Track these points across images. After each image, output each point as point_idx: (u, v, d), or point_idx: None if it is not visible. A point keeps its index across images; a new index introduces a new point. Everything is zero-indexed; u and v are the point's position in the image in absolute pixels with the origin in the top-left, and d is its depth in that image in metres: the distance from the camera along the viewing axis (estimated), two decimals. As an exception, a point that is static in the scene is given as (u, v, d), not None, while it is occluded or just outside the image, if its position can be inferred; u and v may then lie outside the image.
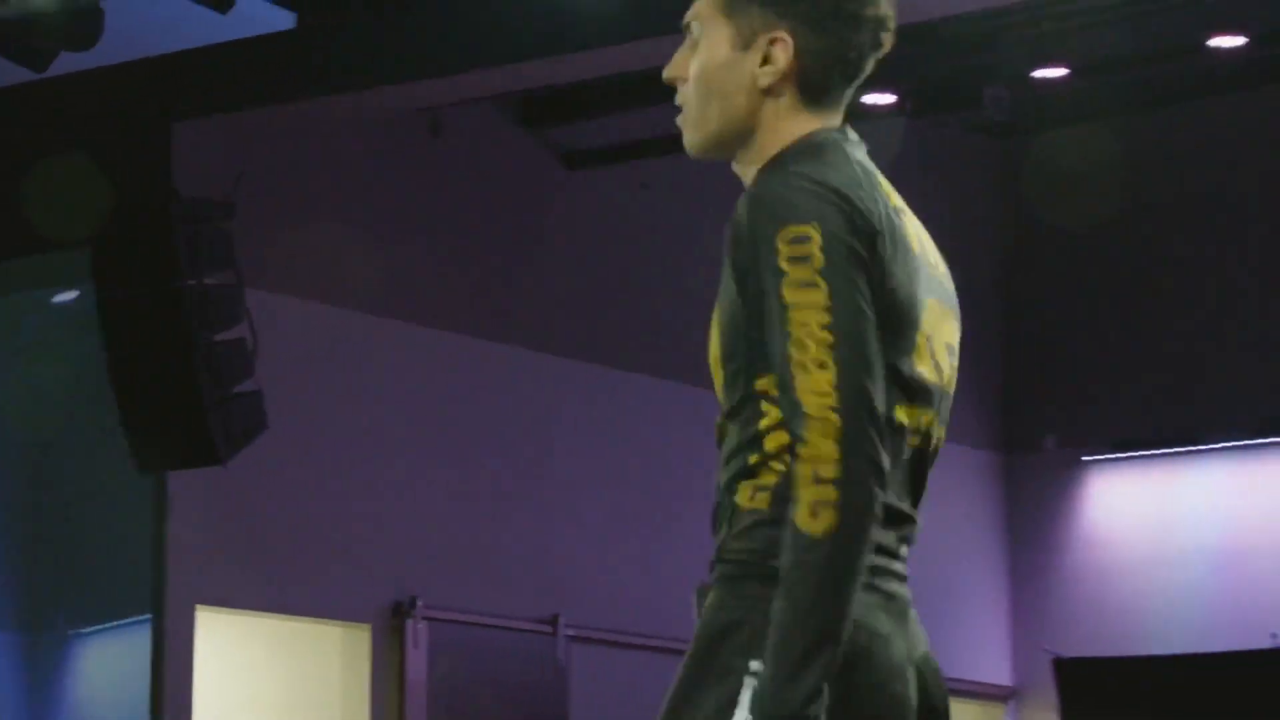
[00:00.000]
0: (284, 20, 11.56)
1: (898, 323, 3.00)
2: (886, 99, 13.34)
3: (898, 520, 3.04)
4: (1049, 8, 12.04)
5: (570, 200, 13.64)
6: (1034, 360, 15.99)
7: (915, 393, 3.05)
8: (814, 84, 3.12)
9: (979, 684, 15.48)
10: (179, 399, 10.77)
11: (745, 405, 3.01)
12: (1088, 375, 15.61)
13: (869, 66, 3.19)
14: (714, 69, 3.14)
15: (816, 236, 2.90)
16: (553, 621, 13.07)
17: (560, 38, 10.83)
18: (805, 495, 2.86)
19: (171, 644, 11.54)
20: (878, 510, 2.89)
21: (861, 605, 2.93)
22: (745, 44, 3.12)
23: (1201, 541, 14.43)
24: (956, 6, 11.02)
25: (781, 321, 2.90)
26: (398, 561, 12.45)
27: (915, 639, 3.11)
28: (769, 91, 3.11)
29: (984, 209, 16.06)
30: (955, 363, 3.19)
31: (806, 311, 2.88)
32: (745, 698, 2.98)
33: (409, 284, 12.77)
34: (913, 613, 3.13)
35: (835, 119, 3.15)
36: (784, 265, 2.89)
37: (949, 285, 3.21)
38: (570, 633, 13.15)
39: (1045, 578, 15.79)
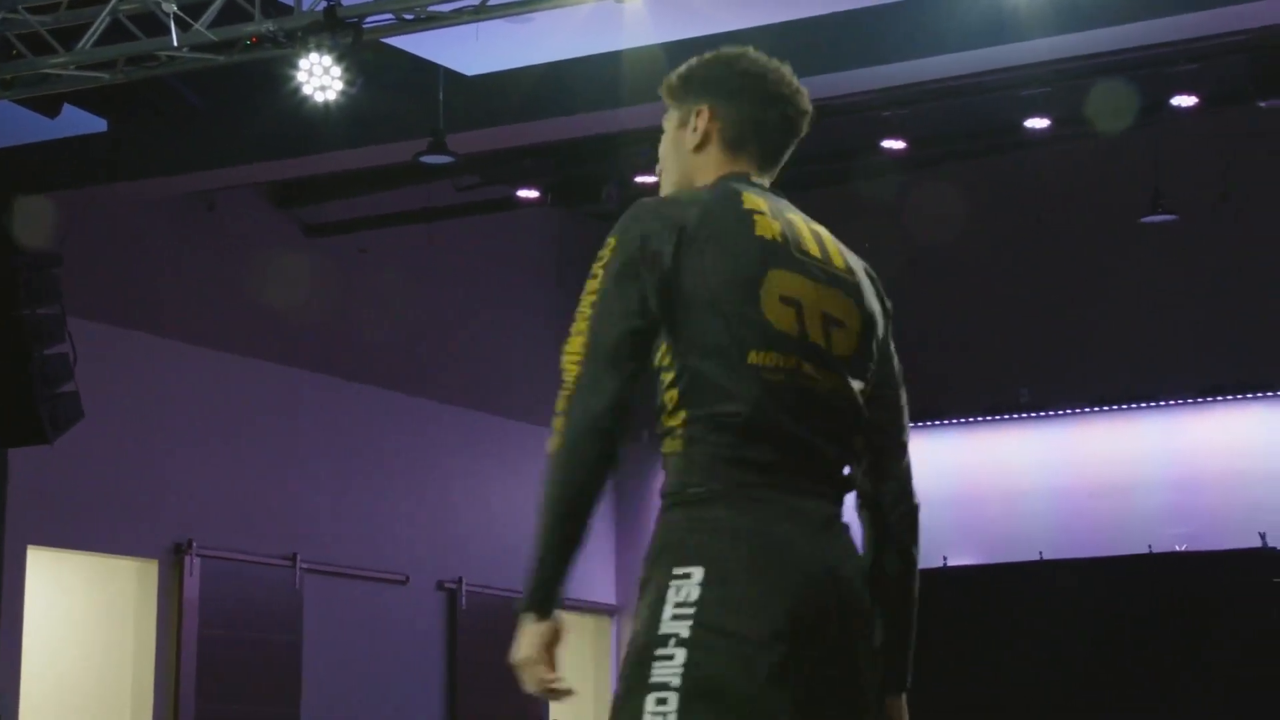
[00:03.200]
0: (98, 124, 11.40)
1: (737, 294, 2.75)
2: (534, 194, 13.54)
3: (788, 446, 2.75)
4: (648, 133, 12.29)
5: (309, 259, 13.61)
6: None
7: (768, 339, 2.76)
8: (728, 142, 2.96)
9: (594, 602, 15.66)
10: (17, 395, 10.59)
11: (654, 377, 2.84)
12: (672, 389, 15.80)
13: (784, 137, 3.02)
14: (669, 144, 3.03)
15: (613, 243, 2.81)
16: (292, 558, 13.01)
17: (304, 142, 10.85)
18: (553, 425, 2.73)
19: (8, 575, 11.30)
20: (593, 438, 2.69)
21: (761, 514, 2.70)
22: (683, 122, 3.00)
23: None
24: (586, 129, 11.24)
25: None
26: (179, 512, 12.31)
27: (826, 547, 2.74)
28: (697, 150, 2.98)
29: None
30: (847, 334, 2.86)
31: (586, 296, 2.80)
32: (668, 596, 2.67)
33: (189, 313, 12.65)
34: (837, 526, 2.78)
35: (749, 169, 2.97)
36: (595, 261, 2.83)
37: (844, 275, 2.90)
38: (305, 566, 13.07)
39: (641, 527, 15.98)
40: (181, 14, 8.71)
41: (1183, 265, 14.05)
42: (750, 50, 3.05)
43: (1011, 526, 14.15)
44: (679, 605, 2.66)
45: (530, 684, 2.77)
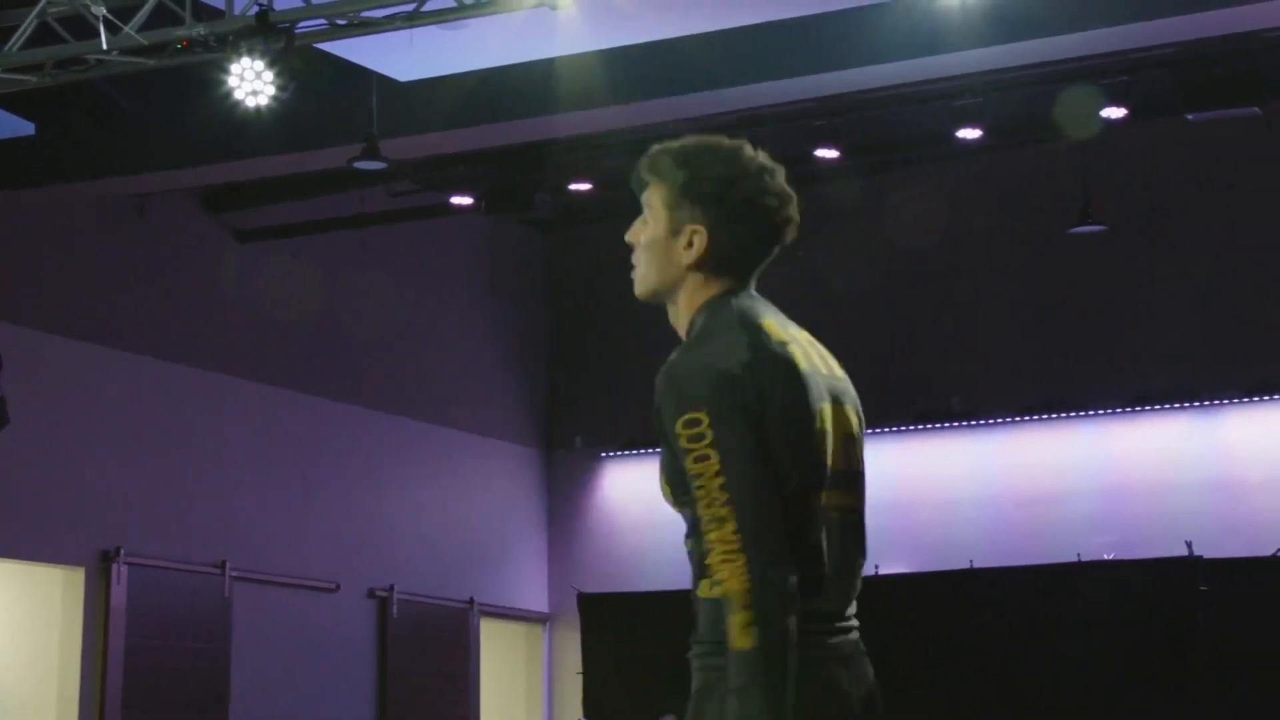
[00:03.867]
0: (26, 128, 11.29)
1: (799, 434, 2.80)
2: (467, 200, 13.51)
3: (839, 588, 2.86)
4: (581, 140, 12.30)
5: (239, 265, 13.52)
6: (568, 385, 16.12)
7: (830, 480, 2.84)
8: (723, 265, 2.96)
9: (526, 610, 15.61)
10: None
11: (695, 526, 2.79)
12: (605, 396, 15.73)
13: (773, 250, 3.00)
14: (656, 244, 2.99)
15: (706, 419, 2.75)
16: (221, 566, 12.91)
17: (236, 147, 10.78)
18: (733, 621, 2.68)
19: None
20: (787, 619, 2.68)
21: (823, 661, 2.78)
22: (676, 231, 2.96)
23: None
24: (520, 136, 11.23)
25: (692, 487, 2.75)
26: (106, 520, 12.18)
27: (861, 677, 2.87)
28: (691, 268, 2.96)
29: (534, 279, 16.30)
30: (858, 448, 2.97)
31: (706, 479, 2.72)
32: None
33: (118, 319, 12.53)
34: (859, 656, 2.89)
35: (739, 283, 2.97)
36: (685, 444, 2.74)
37: (842, 384, 2.97)
38: (235, 574, 12.97)
39: (573, 536, 15.89)
40: (111, 17, 8.64)
41: (1111, 276, 14.18)
42: (746, 156, 2.99)
43: (943, 534, 14.22)
44: None
45: None
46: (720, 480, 2.72)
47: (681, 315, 3.00)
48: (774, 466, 2.76)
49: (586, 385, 15.95)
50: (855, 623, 2.92)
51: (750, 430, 2.75)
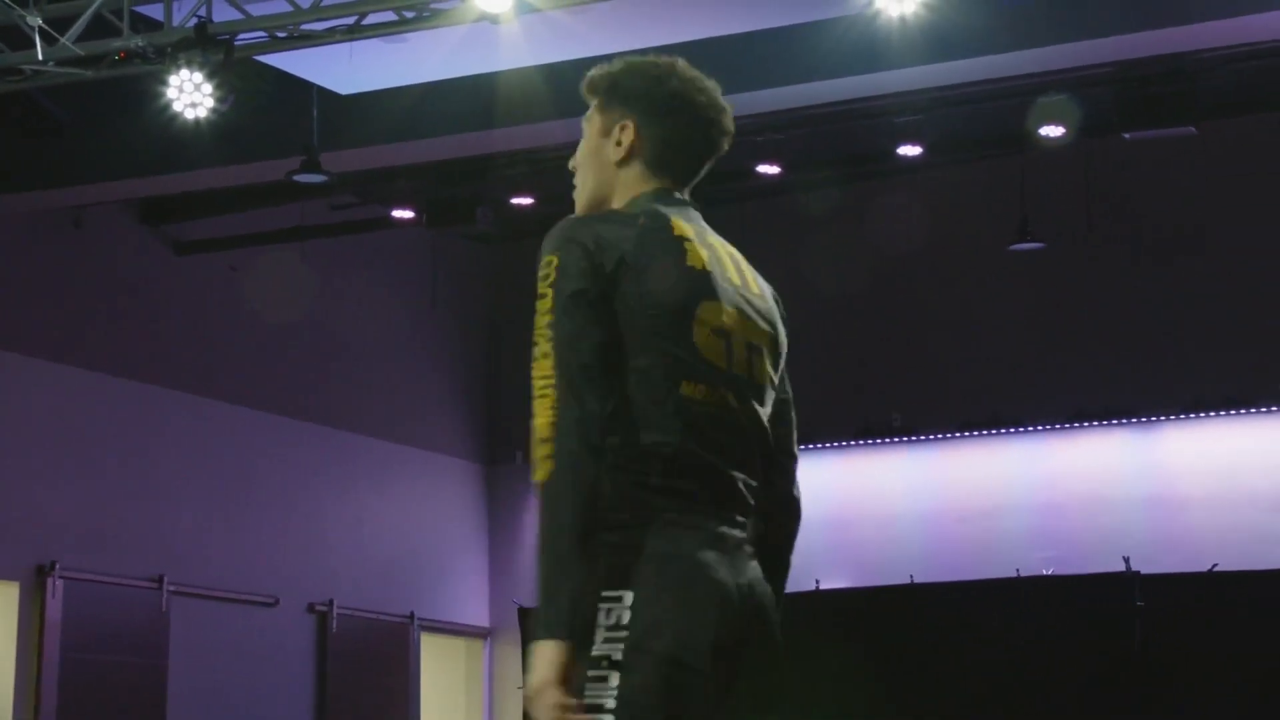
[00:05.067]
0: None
1: (667, 320, 2.82)
2: (408, 214, 13.46)
3: (707, 475, 2.83)
4: (523, 155, 12.27)
5: (178, 277, 13.42)
6: (510, 400, 16.05)
7: (699, 372, 2.83)
8: (655, 163, 2.98)
9: (467, 625, 15.55)
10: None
11: None
12: (546, 411, 15.77)
13: (706, 156, 3.03)
14: (589, 152, 3.04)
15: (555, 262, 2.80)
16: (158, 580, 12.79)
17: (174, 159, 10.71)
18: (534, 455, 2.75)
19: None
20: (585, 457, 2.70)
21: (677, 534, 2.77)
22: (607, 132, 3.01)
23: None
24: (461, 150, 11.20)
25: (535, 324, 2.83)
26: (41, 533, 12.05)
27: (741, 571, 2.83)
28: (620, 164, 2.99)
29: (476, 293, 16.26)
30: (762, 360, 2.95)
31: (540, 316, 2.80)
32: (599, 620, 2.73)
33: (53, 332, 12.41)
34: (747, 549, 2.87)
35: (670, 185, 2.99)
36: (537, 284, 2.82)
37: (758, 300, 2.98)
38: (172, 588, 12.86)
39: (514, 550, 15.86)
40: (47, 27, 8.55)
41: (1050, 293, 14.25)
42: (679, 64, 3.05)
43: (883, 549, 14.24)
44: (610, 629, 2.72)
45: (545, 713, 2.70)
46: (549, 319, 2.79)
47: None
48: (619, 333, 2.78)
49: (528, 400, 15.85)
50: (742, 520, 2.88)
51: (595, 286, 2.78)
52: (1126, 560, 11.25)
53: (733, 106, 3.13)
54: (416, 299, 15.46)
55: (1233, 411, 13.62)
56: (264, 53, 9.13)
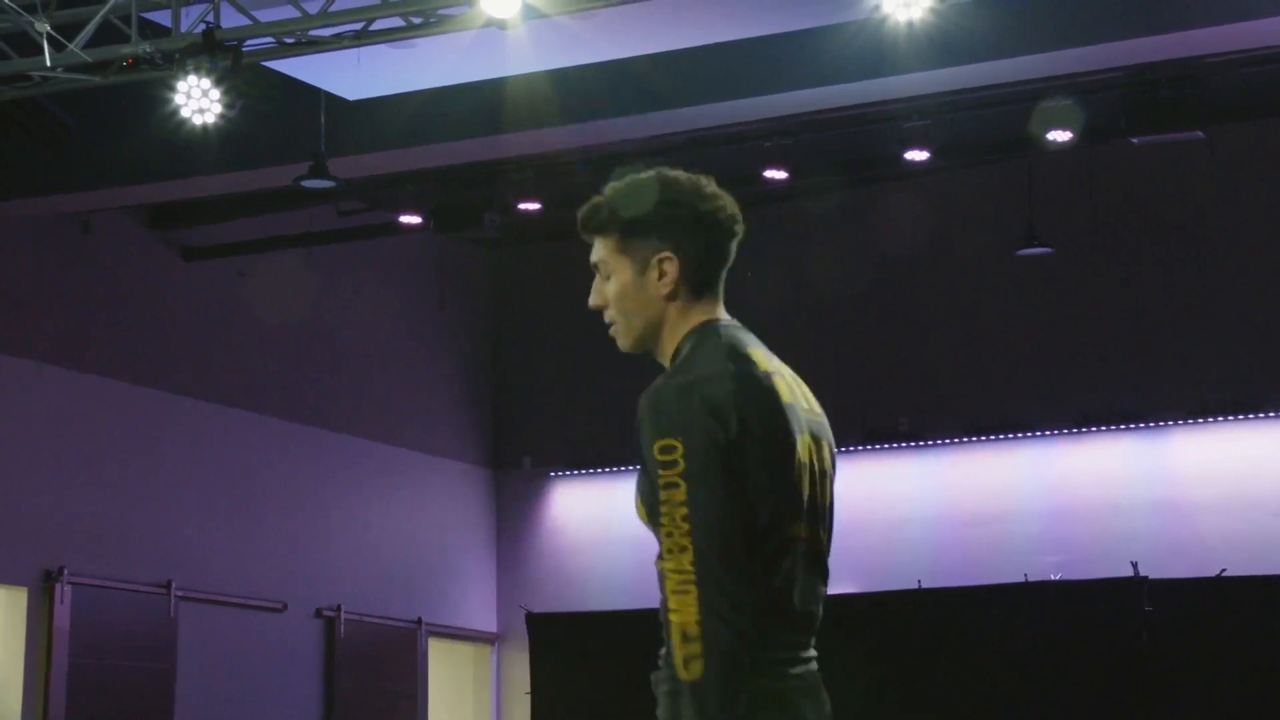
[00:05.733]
0: (-28, 145, 11.19)
1: (779, 466, 2.80)
2: (415, 219, 13.46)
3: (803, 618, 2.86)
4: (530, 160, 12.28)
5: (186, 283, 13.43)
6: (517, 405, 16.04)
7: (804, 512, 2.84)
8: (699, 282, 2.95)
9: (474, 630, 15.53)
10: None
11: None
12: (553, 416, 15.69)
13: (733, 250, 3.00)
14: (628, 292, 2.95)
15: (680, 447, 2.73)
16: (166, 585, 12.79)
17: (179, 165, 10.72)
18: (678, 652, 2.69)
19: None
20: (738, 654, 2.69)
21: (787, 692, 2.79)
22: (643, 269, 2.94)
23: (628, 531, 14.58)
24: (468, 155, 11.21)
25: (658, 512, 2.74)
26: (49, 539, 12.06)
27: (823, 706, 2.88)
28: (669, 297, 2.94)
29: (483, 299, 16.26)
30: (829, 483, 2.97)
31: (672, 506, 2.71)
32: None
33: (62, 337, 12.43)
34: (820, 686, 2.90)
35: (718, 306, 2.98)
36: (658, 469, 2.73)
37: (819, 420, 2.98)
38: (180, 593, 12.86)
39: (522, 556, 15.83)
40: (55, 34, 8.56)
41: (1057, 298, 14.23)
42: (676, 177, 2.99)
43: (890, 554, 14.21)
44: None
45: None
46: (684, 510, 2.71)
47: (666, 346, 2.97)
48: (746, 499, 2.74)
49: (535, 405, 15.91)
50: (814, 653, 2.92)
51: (723, 462, 2.73)
52: (1135, 565, 11.23)
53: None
54: (424, 304, 15.46)
55: (1240, 416, 13.59)
56: (271, 59, 9.13)
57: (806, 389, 3.01)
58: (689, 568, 2.70)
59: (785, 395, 2.86)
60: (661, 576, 2.79)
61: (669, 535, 2.72)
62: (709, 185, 2.99)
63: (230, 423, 13.54)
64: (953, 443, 14.50)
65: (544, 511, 15.85)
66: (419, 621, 14.80)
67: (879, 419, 14.63)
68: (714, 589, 2.68)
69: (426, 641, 14.85)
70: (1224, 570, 11.18)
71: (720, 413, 2.76)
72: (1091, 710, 11.25)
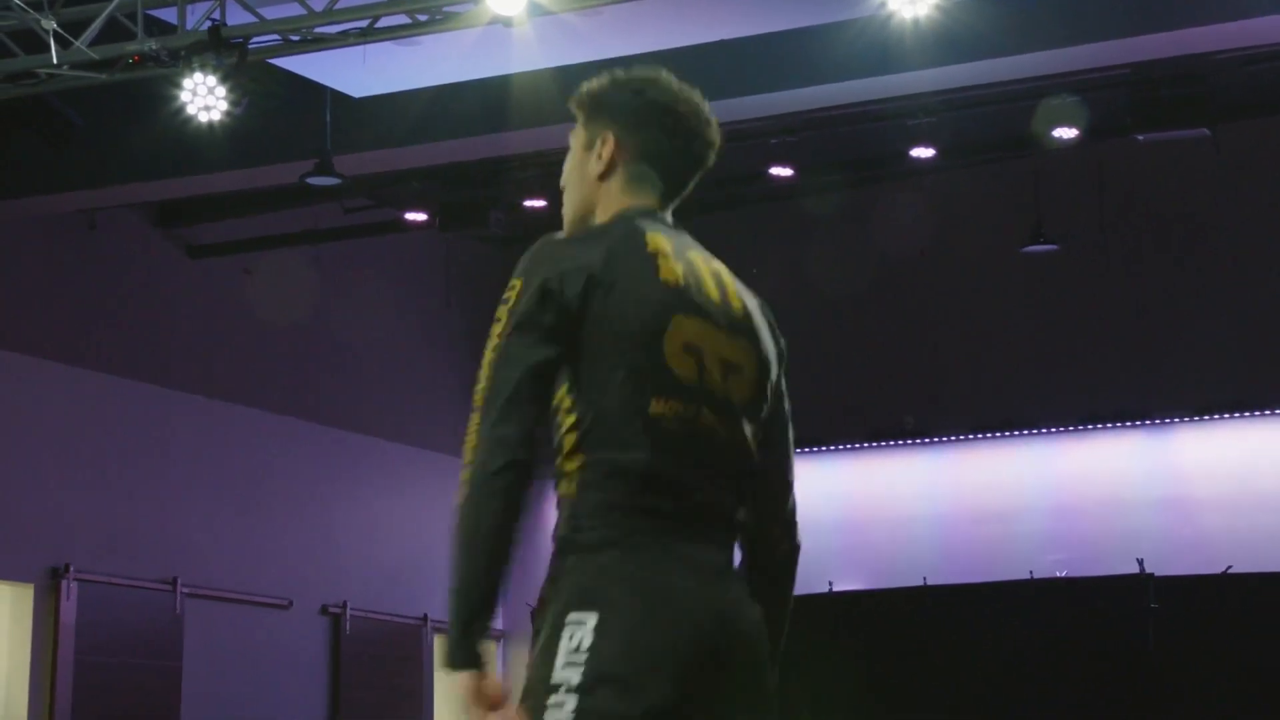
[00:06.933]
0: (-21, 143, 11.20)
1: (635, 338, 2.72)
2: (421, 217, 13.46)
3: (679, 490, 2.72)
4: (535, 157, 12.28)
5: (191, 280, 13.44)
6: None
7: (669, 388, 2.73)
8: (633, 171, 2.90)
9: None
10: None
11: (553, 419, 2.75)
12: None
13: (689, 169, 2.96)
14: (573, 168, 2.95)
15: (518, 287, 2.74)
16: (172, 582, 12.80)
17: (185, 162, 10.73)
18: (460, 478, 2.67)
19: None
20: (493, 492, 2.63)
21: (654, 563, 2.66)
22: (589, 146, 2.92)
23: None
24: (474, 153, 11.21)
25: None
26: (55, 536, 12.07)
27: (716, 594, 2.71)
28: (602, 177, 2.90)
29: (488, 296, 16.21)
30: (741, 379, 2.84)
31: (490, 340, 2.72)
32: (561, 643, 2.63)
33: (67, 334, 12.44)
34: (727, 573, 2.77)
35: (651, 202, 2.91)
36: (500, 303, 2.75)
37: (740, 319, 2.87)
38: (186, 590, 12.88)
39: (526, 553, 15.75)
40: (62, 31, 8.56)
41: (1062, 295, 14.22)
42: (663, 75, 2.98)
43: (896, 552, 14.22)
44: (571, 652, 2.63)
45: None
46: (495, 341, 2.71)
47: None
48: (582, 355, 2.71)
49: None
50: (720, 541, 2.78)
51: (550, 312, 2.70)
52: (1140, 562, 11.23)
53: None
54: (429, 301, 15.47)
55: (1246, 414, 13.59)
56: (277, 56, 9.13)
57: (743, 292, 2.92)
58: (479, 396, 2.69)
59: (668, 274, 2.78)
60: None
61: (481, 367, 2.71)
62: (682, 90, 2.97)
63: (235, 419, 13.55)
64: (958, 440, 14.50)
65: (548, 508, 15.86)
66: (424, 618, 14.81)
67: (884, 416, 14.63)
68: (494, 415, 2.65)
69: (432, 638, 14.86)
70: (1229, 567, 11.17)
71: (571, 269, 2.72)
72: (1096, 707, 11.24)
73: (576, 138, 2.97)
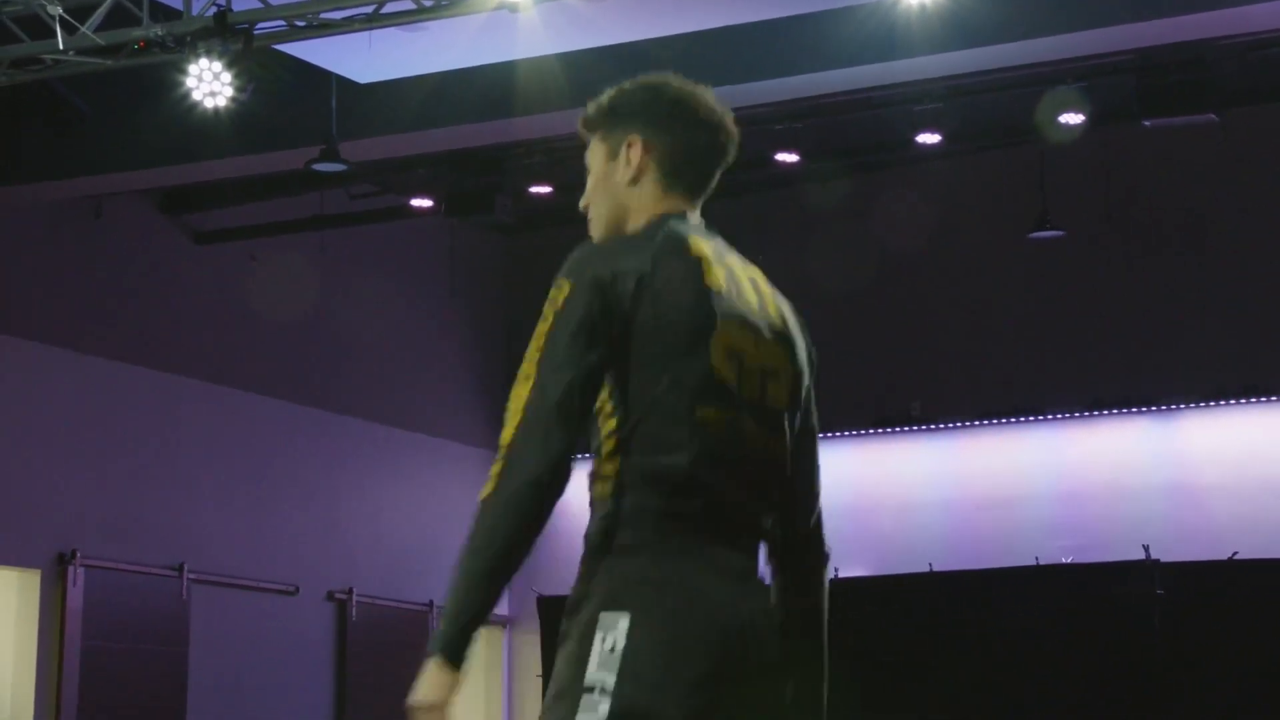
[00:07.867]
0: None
1: (682, 342, 2.72)
2: (427, 203, 13.46)
3: (716, 496, 2.73)
4: (541, 144, 12.28)
5: (197, 267, 13.45)
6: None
7: (713, 394, 2.74)
8: (667, 173, 2.89)
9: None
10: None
11: (593, 421, 2.74)
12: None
13: (715, 163, 2.95)
14: (599, 179, 2.93)
15: (567, 288, 2.71)
16: (179, 568, 12.83)
17: (194, 148, 10.73)
18: (491, 470, 2.66)
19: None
20: (529, 494, 2.61)
21: (687, 567, 2.69)
22: (613, 155, 2.91)
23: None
24: (480, 139, 11.21)
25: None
26: (62, 522, 12.09)
27: (746, 599, 2.74)
28: (633, 183, 2.89)
29: (494, 283, 16.27)
30: (779, 386, 2.87)
31: (536, 340, 2.70)
32: (594, 645, 2.65)
33: (74, 320, 12.45)
34: (755, 579, 2.80)
35: (684, 203, 2.90)
36: (546, 303, 2.73)
37: (777, 324, 2.89)
38: (193, 576, 12.90)
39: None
40: (68, 17, 8.57)
41: (1069, 281, 14.22)
42: (671, 76, 2.99)
43: (902, 538, 14.22)
44: (606, 654, 2.64)
45: None
46: (540, 341, 2.69)
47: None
48: (630, 361, 2.69)
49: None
50: (753, 548, 2.81)
51: (604, 311, 2.69)
52: (1146, 549, 11.23)
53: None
54: (435, 288, 15.47)
55: (1252, 399, 13.58)
56: (283, 41, 9.13)
57: (773, 296, 2.94)
58: (525, 396, 2.66)
59: (712, 280, 2.78)
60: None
61: (523, 363, 2.68)
62: (696, 86, 2.97)
63: (241, 406, 13.56)
64: (964, 426, 14.50)
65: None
66: (430, 604, 14.83)
67: (890, 403, 14.63)
68: (537, 427, 2.63)
69: (437, 625, 14.86)
70: (1236, 553, 11.17)
71: (622, 273, 2.71)
72: (1102, 693, 11.25)
73: (595, 154, 2.95)
